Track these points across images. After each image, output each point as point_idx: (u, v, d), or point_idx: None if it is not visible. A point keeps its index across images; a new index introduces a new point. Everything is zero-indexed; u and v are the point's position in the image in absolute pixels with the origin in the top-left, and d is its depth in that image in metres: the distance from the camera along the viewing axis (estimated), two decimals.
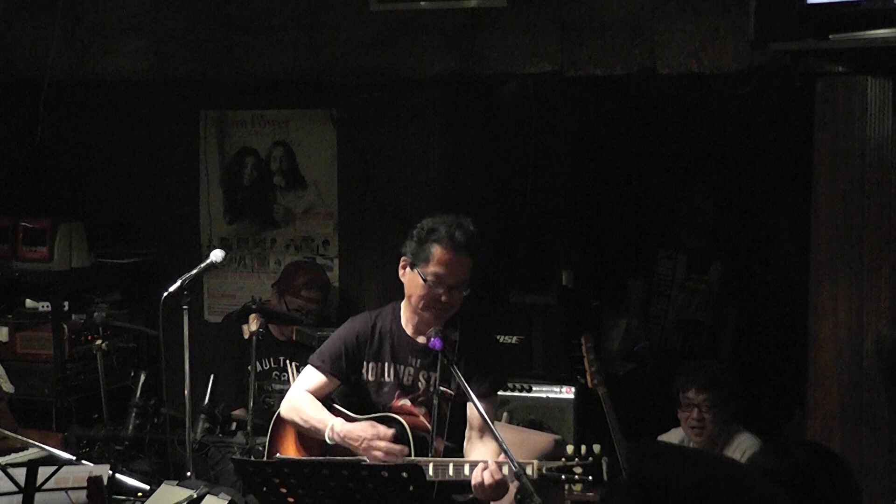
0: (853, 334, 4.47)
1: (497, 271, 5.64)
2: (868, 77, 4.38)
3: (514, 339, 5.58)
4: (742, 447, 4.79)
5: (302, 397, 3.99)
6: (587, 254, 6.77)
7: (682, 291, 6.24)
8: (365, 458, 3.74)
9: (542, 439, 4.49)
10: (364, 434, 3.79)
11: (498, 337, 5.37)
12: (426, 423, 3.85)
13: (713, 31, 4.79)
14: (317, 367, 4.02)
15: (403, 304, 3.99)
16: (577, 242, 6.79)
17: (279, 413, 4.07)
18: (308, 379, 4.03)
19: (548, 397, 5.46)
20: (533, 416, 5.37)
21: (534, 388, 5.47)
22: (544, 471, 3.52)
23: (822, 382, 4.57)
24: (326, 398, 4.01)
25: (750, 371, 6.14)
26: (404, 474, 3.37)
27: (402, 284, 3.95)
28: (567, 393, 5.45)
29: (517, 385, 5.43)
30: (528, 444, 4.24)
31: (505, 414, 5.29)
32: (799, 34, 4.38)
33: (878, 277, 4.44)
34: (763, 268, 6.64)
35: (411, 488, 3.36)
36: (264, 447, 4.38)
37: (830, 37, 4.29)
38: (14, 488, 3.57)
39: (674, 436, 5.05)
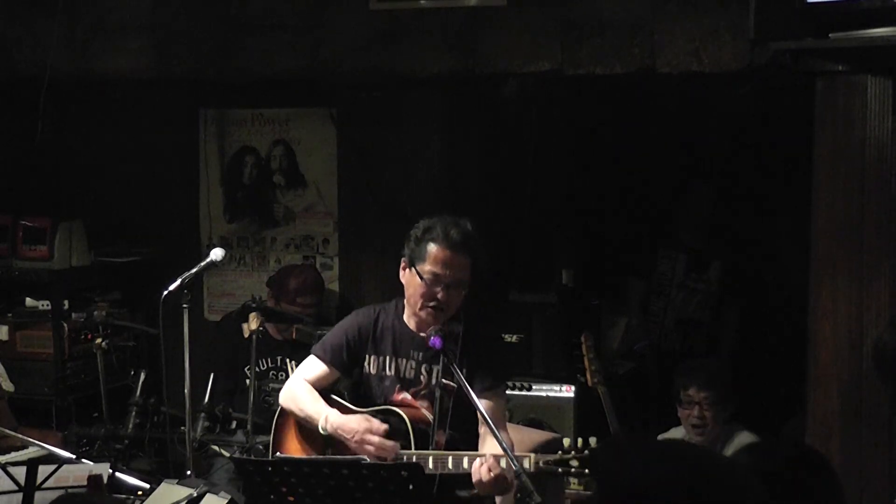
0: (853, 334, 4.47)
1: (497, 271, 5.63)
2: (868, 76, 4.38)
3: (514, 338, 5.58)
4: (741, 446, 4.78)
5: (300, 386, 4.01)
6: (587, 253, 6.76)
7: (681, 291, 6.24)
8: (364, 455, 3.74)
9: (539, 436, 4.50)
10: (357, 427, 3.79)
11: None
12: (428, 415, 3.85)
13: (713, 31, 4.78)
14: (319, 357, 4.05)
15: (406, 300, 4.00)
16: (577, 241, 6.79)
17: (280, 403, 4.09)
18: (309, 368, 4.05)
19: (548, 396, 5.47)
20: (533, 415, 5.37)
21: (534, 387, 5.48)
22: (541, 464, 3.54)
23: (821, 382, 4.56)
24: (328, 389, 4.02)
25: (750, 371, 6.13)
26: (404, 473, 3.38)
27: (402, 283, 3.95)
28: (567, 392, 5.45)
29: (517, 384, 5.43)
30: (525, 442, 4.24)
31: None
32: (799, 33, 4.38)
33: (878, 277, 4.43)
34: (763, 267, 6.64)
35: (411, 487, 3.36)
36: (264, 446, 4.38)
37: (830, 36, 4.29)
38: (14, 487, 3.57)
39: (675, 435, 5.04)
